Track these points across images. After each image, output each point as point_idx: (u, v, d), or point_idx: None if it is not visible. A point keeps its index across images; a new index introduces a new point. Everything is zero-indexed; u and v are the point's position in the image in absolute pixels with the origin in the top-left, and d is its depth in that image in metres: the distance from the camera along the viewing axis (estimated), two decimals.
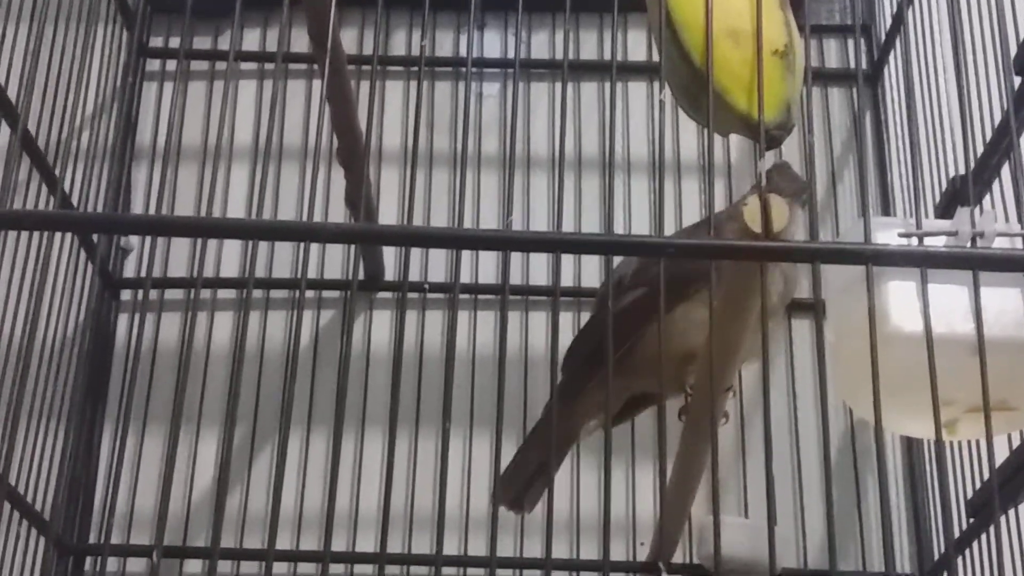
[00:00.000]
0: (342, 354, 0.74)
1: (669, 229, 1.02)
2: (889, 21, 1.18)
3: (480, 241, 0.70)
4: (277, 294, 1.16)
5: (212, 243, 1.15)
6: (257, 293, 1.16)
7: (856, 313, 0.68)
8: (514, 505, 0.99)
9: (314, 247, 1.15)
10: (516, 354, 1.13)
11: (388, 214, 1.18)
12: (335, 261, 1.17)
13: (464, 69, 1.24)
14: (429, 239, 0.70)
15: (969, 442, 0.96)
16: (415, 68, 1.23)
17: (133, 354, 1.14)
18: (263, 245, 1.15)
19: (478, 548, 1.07)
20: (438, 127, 1.22)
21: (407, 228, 0.69)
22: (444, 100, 1.23)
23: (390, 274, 1.16)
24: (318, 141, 0.68)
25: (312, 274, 1.16)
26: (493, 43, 1.26)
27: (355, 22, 1.24)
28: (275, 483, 0.65)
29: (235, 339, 1.14)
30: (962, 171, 0.92)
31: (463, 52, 1.24)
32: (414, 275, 1.16)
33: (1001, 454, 0.80)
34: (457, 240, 0.68)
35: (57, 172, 1.02)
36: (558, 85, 1.22)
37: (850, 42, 1.24)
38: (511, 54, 1.24)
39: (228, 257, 1.16)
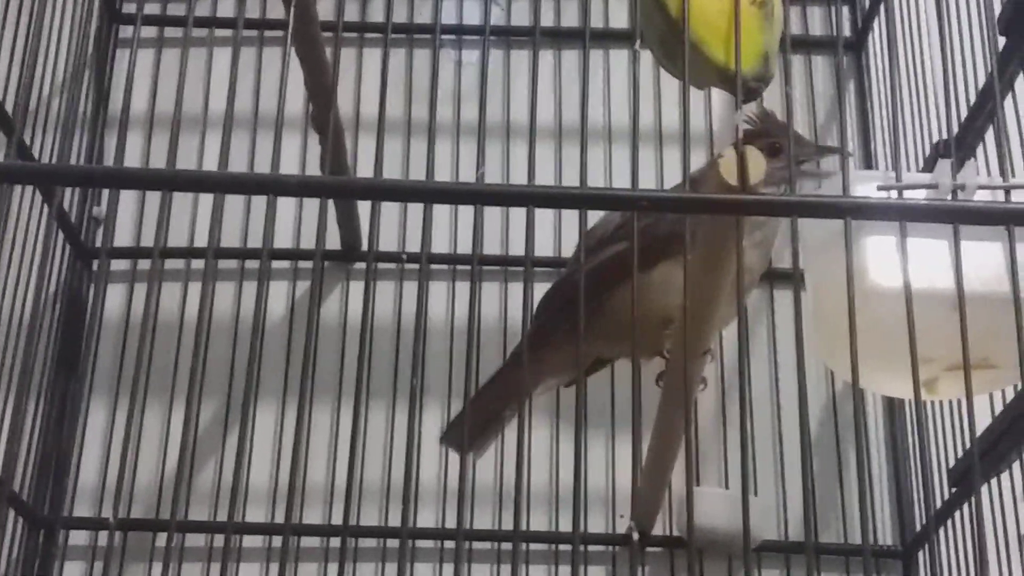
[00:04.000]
0: (311, 324, 0.73)
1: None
2: None
3: (452, 195, 0.68)
4: (251, 264, 1.14)
5: (185, 213, 1.14)
6: (232, 264, 1.14)
7: (834, 270, 0.66)
8: (461, 448, 0.96)
9: (289, 216, 1.15)
10: (494, 325, 1.12)
11: None
12: (310, 231, 1.15)
13: (444, 37, 1.22)
14: (399, 192, 0.68)
15: (952, 409, 0.94)
16: (394, 36, 1.21)
17: (92, 323, 1.11)
18: (237, 215, 1.14)
19: (454, 520, 1.05)
20: (416, 96, 1.19)
21: (375, 180, 0.67)
22: (423, 68, 1.21)
23: (367, 244, 1.14)
24: (282, 100, 0.66)
25: (287, 244, 1.14)
26: (473, 10, 1.23)
27: None
28: (238, 455, 0.63)
29: (208, 309, 1.12)
30: (945, 137, 0.91)
31: (443, 20, 1.22)
32: (391, 245, 1.14)
33: (984, 421, 0.79)
34: (428, 193, 0.65)
35: (26, 137, 1.00)
36: (539, 53, 1.20)
37: (833, 9, 1.22)
38: (492, 22, 1.22)
39: (201, 227, 1.14)
